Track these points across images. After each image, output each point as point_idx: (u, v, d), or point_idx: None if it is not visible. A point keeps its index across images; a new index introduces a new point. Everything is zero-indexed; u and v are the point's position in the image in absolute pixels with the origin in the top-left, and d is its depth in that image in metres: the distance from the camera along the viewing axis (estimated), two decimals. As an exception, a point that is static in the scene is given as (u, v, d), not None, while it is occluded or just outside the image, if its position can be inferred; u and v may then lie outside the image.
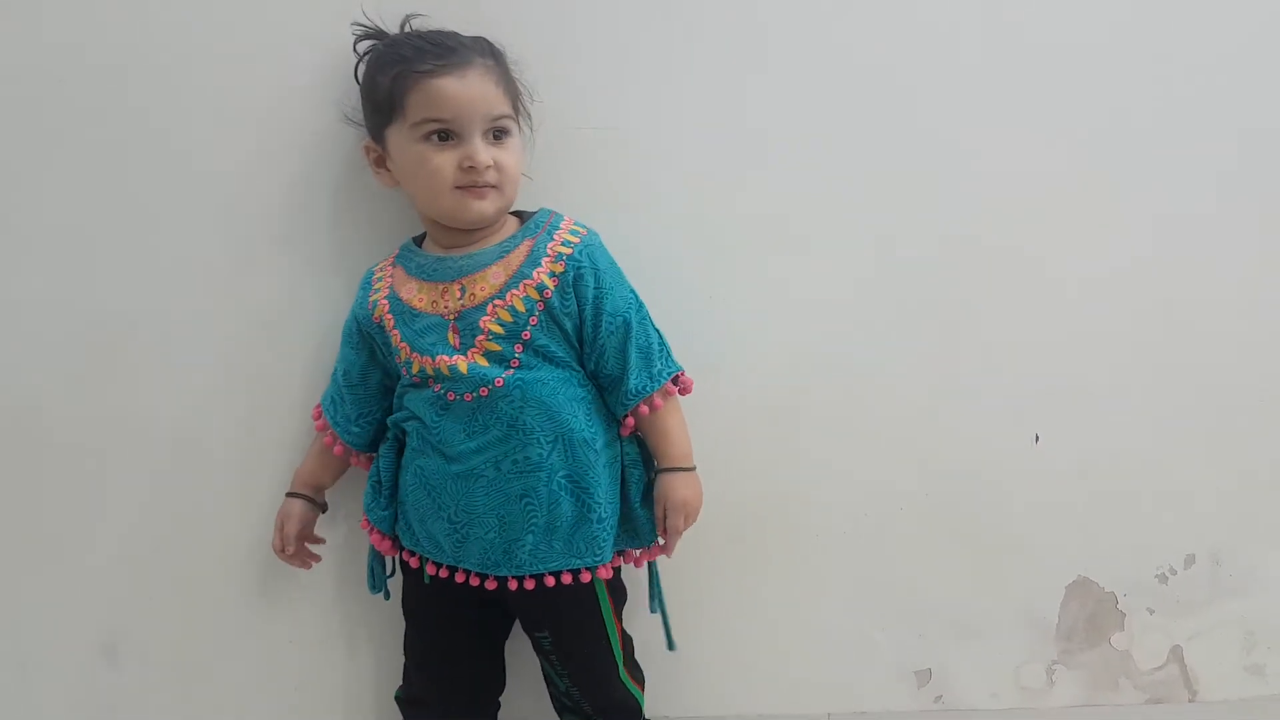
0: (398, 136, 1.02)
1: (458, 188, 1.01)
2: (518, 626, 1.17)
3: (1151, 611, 1.34)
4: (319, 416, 1.14)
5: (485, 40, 1.05)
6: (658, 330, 1.09)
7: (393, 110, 1.01)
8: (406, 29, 1.07)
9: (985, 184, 1.24)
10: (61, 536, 1.23)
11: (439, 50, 1.00)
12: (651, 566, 1.15)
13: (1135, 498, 1.31)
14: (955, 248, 1.25)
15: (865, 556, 1.29)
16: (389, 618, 1.20)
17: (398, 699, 1.18)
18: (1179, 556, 1.33)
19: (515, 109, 1.06)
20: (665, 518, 1.07)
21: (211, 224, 1.18)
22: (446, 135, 1.00)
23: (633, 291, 1.08)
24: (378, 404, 1.11)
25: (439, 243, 1.08)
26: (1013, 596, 1.32)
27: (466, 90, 0.99)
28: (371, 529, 1.11)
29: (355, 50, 1.08)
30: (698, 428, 1.14)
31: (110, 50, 1.15)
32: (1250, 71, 1.24)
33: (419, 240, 1.11)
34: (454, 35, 1.04)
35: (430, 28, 1.07)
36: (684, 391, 1.10)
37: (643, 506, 1.09)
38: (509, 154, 1.03)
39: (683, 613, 1.26)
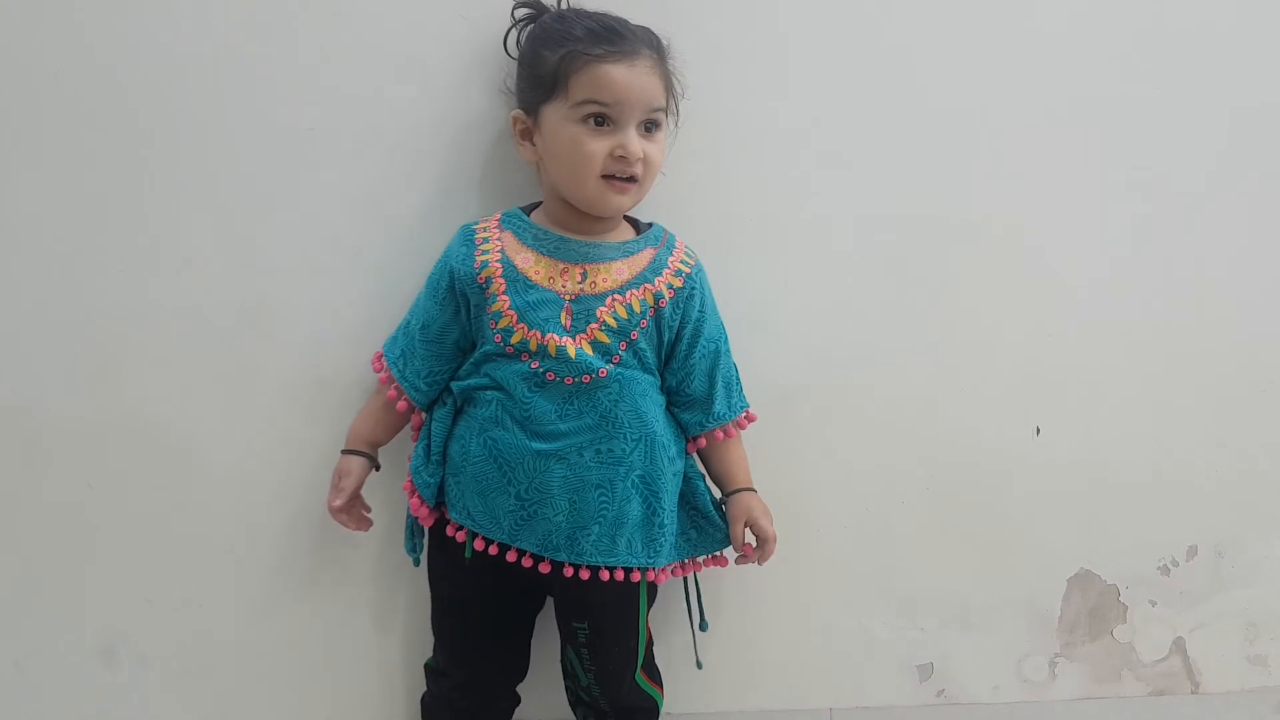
0: (554, 114, 1.02)
1: (604, 176, 1.02)
2: (542, 618, 1.17)
3: (1154, 603, 1.33)
4: (382, 369, 1.11)
5: (652, 32, 1.05)
6: (735, 365, 1.13)
7: (555, 87, 1.01)
8: (564, 4, 1.08)
9: (986, 177, 1.23)
10: (59, 538, 1.22)
11: (611, 36, 1.01)
12: (688, 581, 1.17)
13: (1137, 490, 1.31)
14: (957, 240, 1.24)
15: (867, 550, 1.29)
16: (401, 605, 1.20)
17: (426, 666, 1.19)
18: (1181, 548, 1.33)
19: (668, 103, 1.06)
20: (755, 527, 1.10)
21: (206, 218, 1.17)
22: (603, 120, 1.01)
23: (722, 324, 1.11)
24: (450, 363, 1.09)
25: (559, 223, 1.08)
26: (1015, 589, 1.32)
27: (633, 79, 1.00)
28: (414, 492, 1.09)
29: (512, 15, 1.09)
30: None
31: (85, 47, 1.13)
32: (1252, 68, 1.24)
33: (526, 210, 1.10)
34: (624, 22, 1.04)
35: (587, 8, 1.07)
36: (741, 426, 1.14)
37: (715, 514, 1.12)
38: (656, 148, 1.04)
39: (686, 609, 1.26)
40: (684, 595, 1.19)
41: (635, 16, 1.05)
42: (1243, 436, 1.31)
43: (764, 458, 1.24)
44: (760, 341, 1.23)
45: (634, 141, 1.01)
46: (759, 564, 1.11)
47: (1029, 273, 1.26)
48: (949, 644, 1.32)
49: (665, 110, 1.05)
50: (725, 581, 1.28)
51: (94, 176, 1.15)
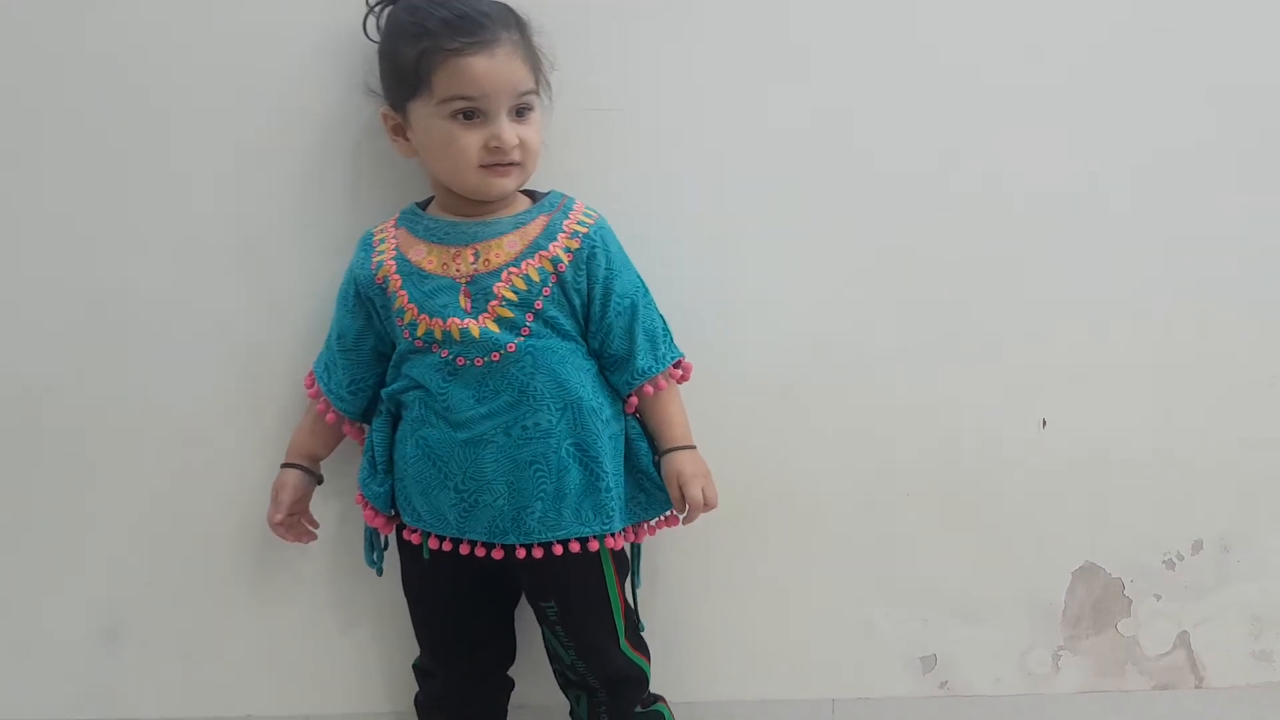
0: (421, 111, 1.01)
1: (482, 166, 1.01)
2: (524, 600, 1.17)
3: (1158, 597, 1.33)
4: (312, 384, 1.13)
5: (509, 9, 1.03)
6: (661, 316, 1.11)
7: (418, 85, 0.99)
8: None
9: (987, 168, 1.22)
10: (63, 520, 1.22)
11: (466, 25, 0.98)
12: (636, 547, 1.15)
13: (1142, 482, 1.30)
14: (959, 230, 1.23)
15: (870, 541, 1.29)
16: (395, 590, 1.20)
17: (414, 667, 1.19)
18: (1186, 542, 1.32)
19: (538, 82, 1.05)
20: (684, 491, 1.07)
21: (210, 203, 1.17)
22: (472, 113, 1.00)
23: (639, 276, 1.09)
24: (371, 370, 1.10)
25: (450, 210, 1.07)
26: (1018, 582, 1.31)
27: (496, 69, 0.98)
28: (365, 504, 1.10)
29: (367, 2, 1.07)
30: (702, 411, 1.14)
31: (105, 29, 1.14)
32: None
33: (423, 205, 1.10)
34: (477, 4, 1.00)
35: None
36: (683, 379, 1.11)
37: (656, 473, 1.10)
38: (532, 129, 1.03)
39: (686, 597, 1.27)
40: (653, 573, 1.18)
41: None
42: (1249, 430, 1.29)
43: (767, 447, 1.25)
44: (760, 331, 1.23)
45: (507, 130, 1.00)
46: (683, 523, 1.09)
47: (1034, 263, 1.25)
48: (952, 636, 1.32)
49: (536, 91, 1.04)
50: (727, 570, 1.28)
51: (95, 166, 1.16)
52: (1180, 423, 1.29)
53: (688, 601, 1.28)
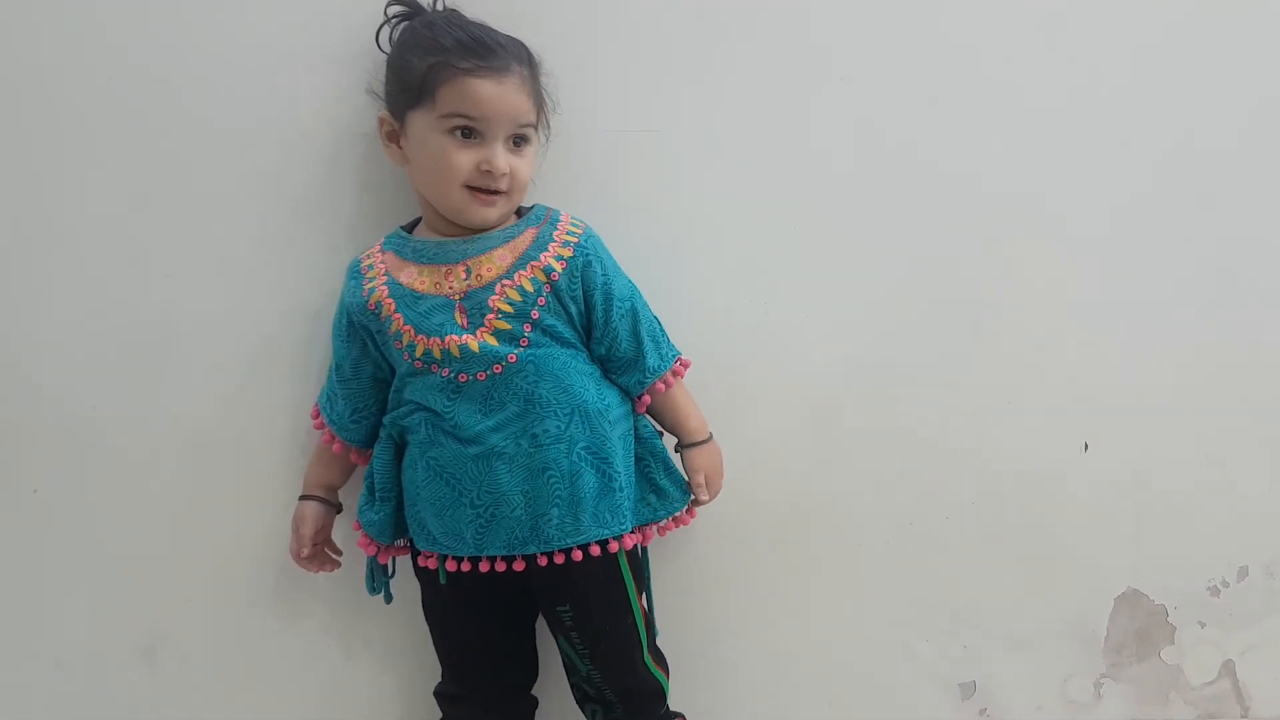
0: (420, 122, 1.02)
1: (468, 186, 1.02)
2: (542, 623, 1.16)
3: (1203, 625, 1.31)
4: (317, 415, 1.14)
5: (524, 46, 1.05)
6: (654, 315, 1.12)
7: (421, 95, 1.01)
8: (439, 6, 1.08)
9: (1032, 189, 1.22)
10: (100, 537, 1.23)
11: (480, 50, 1.00)
12: (645, 552, 1.15)
13: (1186, 508, 1.28)
14: (1002, 252, 1.23)
15: (910, 566, 1.27)
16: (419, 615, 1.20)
17: (436, 694, 1.18)
18: (1231, 568, 1.30)
19: (538, 118, 1.07)
20: (707, 484, 1.12)
21: (248, 220, 1.18)
22: (470, 133, 1.01)
23: (630, 280, 1.10)
24: (372, 398, 1.11)
25: (438, 229, 1.08)
26: (1060, 608, 1.30)
27: (502, 95, 1.00)
28: (361, 532, 1.11)
29: (385, 13, 1.08)
30: (743, 433, 1.14)
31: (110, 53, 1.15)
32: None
33: (409, 227, 1.11)
34: (493, 34, 1.03)
35: (460, 9, 1.07)
36: (681, 375, 1.13)
37: (670, 475, 1.12)
38: (524, 162, 1.04)
39: (719, 616, 1.26)
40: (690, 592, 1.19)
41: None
42: (1296, 455, 1.28)
43: (807, 471, 1.25)
44: (805, 354, 1.23)
45: (500, 156, 1.01)
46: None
47: (1076, 286, 1.24)
48: (992, 662, 1.30)
49: (535, 125, 1.05)
50: (762, 591, 1.27)
51: (139, 184, 1.17)
52: (1225, 446, 1.28)
53: (720, 621, 1.27)
